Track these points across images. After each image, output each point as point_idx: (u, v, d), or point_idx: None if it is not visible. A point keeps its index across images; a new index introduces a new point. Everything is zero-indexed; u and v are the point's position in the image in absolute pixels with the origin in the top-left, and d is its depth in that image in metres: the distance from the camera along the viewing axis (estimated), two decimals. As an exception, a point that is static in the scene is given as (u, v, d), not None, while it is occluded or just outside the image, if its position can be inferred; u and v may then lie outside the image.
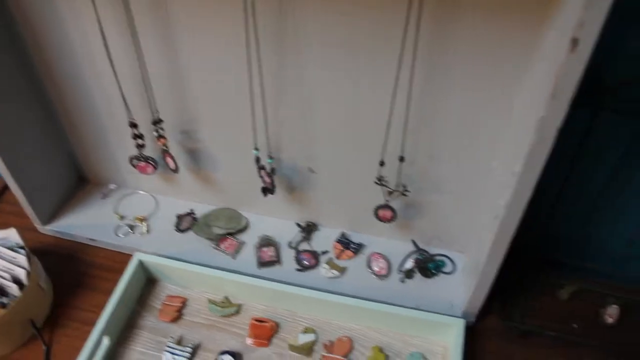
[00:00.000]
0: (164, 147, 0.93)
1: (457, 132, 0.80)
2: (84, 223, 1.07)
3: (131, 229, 1.05)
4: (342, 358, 0.87)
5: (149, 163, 0.97)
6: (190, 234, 1.04)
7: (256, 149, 0.88)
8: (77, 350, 0.84)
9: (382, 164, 0.82)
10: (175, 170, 0.97)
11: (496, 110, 0.75)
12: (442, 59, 0.71)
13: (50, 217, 1.08)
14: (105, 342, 0.86)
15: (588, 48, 0.50)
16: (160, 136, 0.91)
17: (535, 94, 0.62)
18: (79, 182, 1.15)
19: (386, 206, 0.89)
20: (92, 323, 0.87)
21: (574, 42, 0.50)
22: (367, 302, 0.89)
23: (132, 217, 1.07)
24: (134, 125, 0.91)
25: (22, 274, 0.88)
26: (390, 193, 0.86)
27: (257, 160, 0.89)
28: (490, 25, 0.65)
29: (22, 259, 0.89)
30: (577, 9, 0.49)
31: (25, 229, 0.94)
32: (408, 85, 0.73)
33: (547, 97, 0.56)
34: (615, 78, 0.73)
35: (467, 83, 0.73)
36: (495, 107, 0.75)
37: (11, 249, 0.90)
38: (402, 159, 0.80)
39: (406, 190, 0.85)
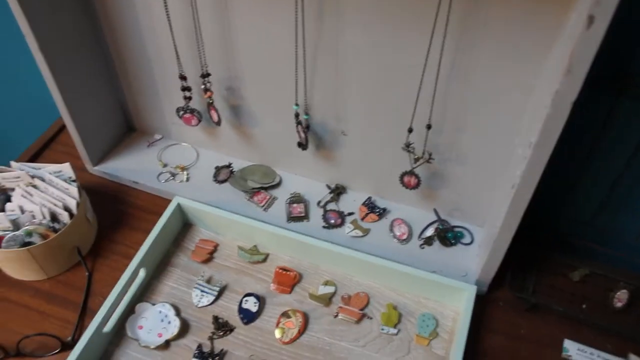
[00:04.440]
0: (210, 100, 0.99)
1: (483, 106, 0.83)
2: (130, 167, 1.14)
3: (172, 176, 1.12)
4: (357, 310, 0.92)
5: (194, 115, 1.03)
6: (227, 186, 1.10)
7: (296, 104, 0.93)
8: (116, 279, 0.91)
9: (410, 130, 0.87)
10: (218, 123, 1.03)
11: (520, 88, 0.78)
12: (473, 34, 0.75)
13: (99, 159, 1.15)
14: (142, 274, 0.94)
15: (603, 25, 0.54)
16: (207, 89, 0.98)
17: (554, 71, 0.66)
18: (128, 131, 1.23)
19: (411, 173, 0.93)
20: (130, 257, 0.94)
21: (590, 19, 0.54)
22: (386, 261, 0.93)
23: (174, 166, 1.14)
24: (183, 77, 0.97)
25: (72, 204, 0.96)
26: (416, 160, 0.91)
27: (296, 115, 0.95)
28: (519, 4, 0.69)
29: (73, 190, 0.97)
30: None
31: (75, 169, 1.01)
32: (439, 57, 0.78)
33: (562, 72, 0.60)
34: (638, 65, 0.76)
35: (495, 60, 0.77)
36: (520, 85, 0.78)
37: (65, 181, 0.98)
38: (429, 126, 0.85)
39: (431, 158, 0.89)
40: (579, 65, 0.58)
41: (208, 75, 0.97)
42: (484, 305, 0.95)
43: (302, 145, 0.98)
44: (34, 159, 1.18)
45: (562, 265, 0.99)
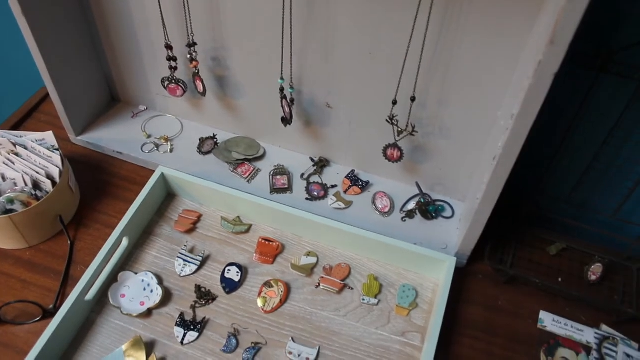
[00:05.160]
0: (195, 70, 0.99)
1: (467, 80, 0.84)
2: (113, 138, 1.13)
3: (156, 147, 1.12)
4: (339, 281, 0.94)
5: (179, 85, 1.03)
6: (211, 157, 1.10)
7: (282, 78, 0.93)
8: (98, 248, 0.91)
9: (394, 102, 0.88)
10: (203, 94, 1.03)
11: (504, 63, 0.79)
12: (457, 8, 0.76)
13: (82, 129, 1.15)
14: (124, 243, 0.94)
15: (586, -4, 0.55)
16: (193, 59, 0.97)
17: (538, 44, 0.66)
18: (112, 101, 1.22)
19: (395, 145, 0.94)
20: (113, 226, 0.93)
21: (574, -11, 0.55)
22: (368, 232, 0.94)
23: (158, 137, 1.14)
24: (169, 47, 0.97)
25: (55, 172, 0.95)
26: (399, 133, 0.92)
27: (281, 89, 0.95)
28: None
29: (56, 158, 0.96)
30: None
31: (58, 139, 1.00)
32: (424, 31, 0.78)
33: (546, 43, 0.61)
34: (619, 42, 0.77)
35: (479, 34, 0.78)
36: (503, 60, 0.79)
37: (47, 149, 0.97)
38: (413, 98, 0.85)
39: (414, 130, 0.90)
40: (563, 36, 0.59)
41: (194, 44, 0.96)
42: (463, 277, 0.97)
43: (286, 121, 0.98)
44: (16, 127, 1.17)
45: (539, 240, 1.01)
